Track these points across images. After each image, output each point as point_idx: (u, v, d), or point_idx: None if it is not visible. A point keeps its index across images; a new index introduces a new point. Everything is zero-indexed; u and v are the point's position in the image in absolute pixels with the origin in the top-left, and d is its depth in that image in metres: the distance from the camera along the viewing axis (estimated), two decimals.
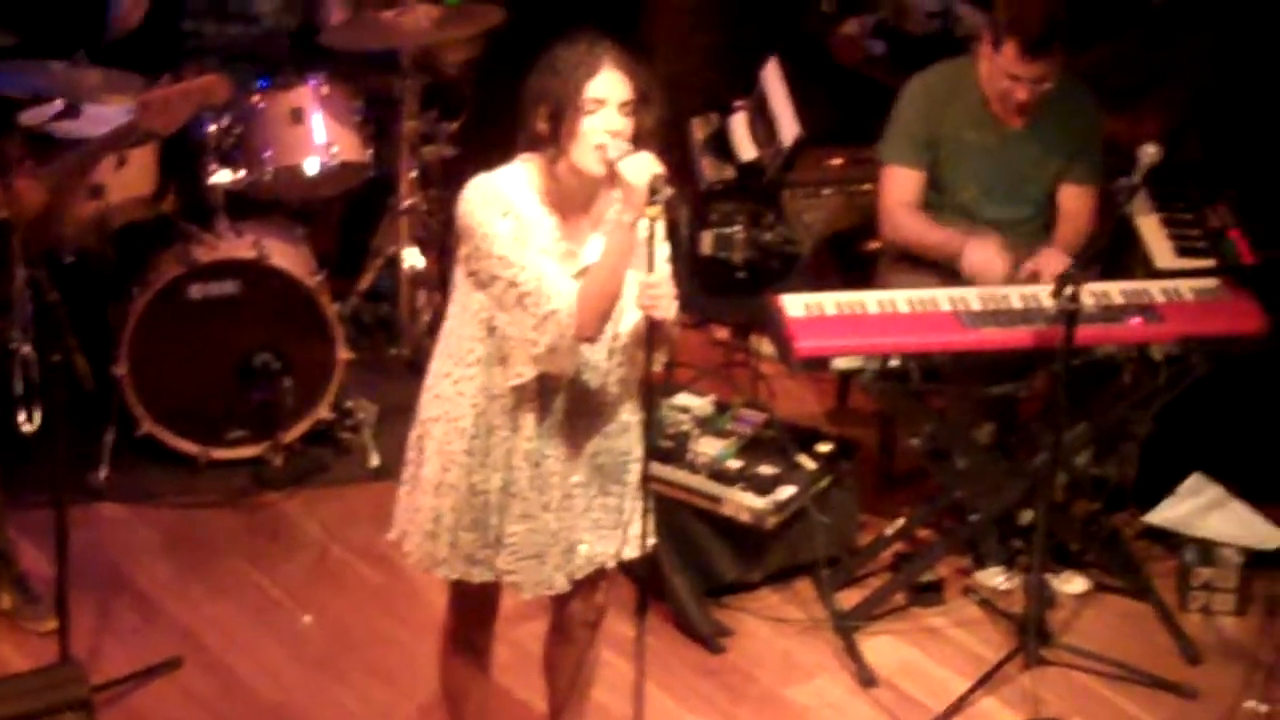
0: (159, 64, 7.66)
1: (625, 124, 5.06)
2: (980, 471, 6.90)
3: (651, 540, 5.46)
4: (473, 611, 5.65)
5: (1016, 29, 6.72)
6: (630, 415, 5.43)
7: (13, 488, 6.81)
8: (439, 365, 5.38)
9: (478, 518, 5.36)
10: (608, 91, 5.05)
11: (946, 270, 6.90)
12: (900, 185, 7.00)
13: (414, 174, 7.94)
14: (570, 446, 5.34)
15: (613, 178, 5.09)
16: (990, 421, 7.07)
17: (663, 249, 5.18)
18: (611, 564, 5.52)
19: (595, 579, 5.56)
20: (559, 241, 5.18)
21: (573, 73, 5.05)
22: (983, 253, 6.74)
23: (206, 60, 7.63)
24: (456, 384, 5.31)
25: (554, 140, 5.10)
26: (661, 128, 5.19)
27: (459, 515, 5.36)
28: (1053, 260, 6.72)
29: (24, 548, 6.84)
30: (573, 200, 5.21)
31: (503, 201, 5.14)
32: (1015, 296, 6.63)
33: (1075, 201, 6.98)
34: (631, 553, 5.49)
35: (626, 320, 5.24)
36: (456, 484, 5.34)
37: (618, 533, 5.47)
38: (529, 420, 5.29)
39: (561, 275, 5.14)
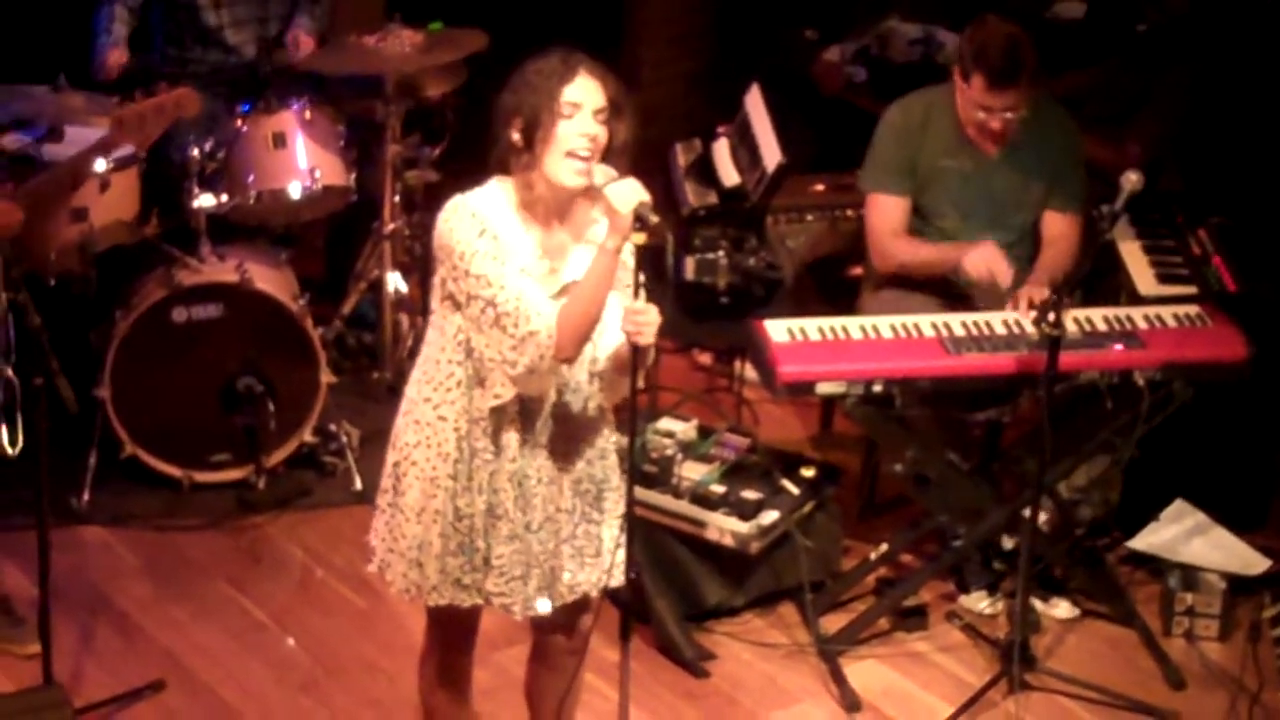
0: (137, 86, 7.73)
1: (600, 131, 5.10)
2: (963, 497, 6.93)
3: (623, 572, 5.44)
4: (453, 638, 5.67)
5: (982, 62, 6.77)
6: (606, 442, 5.46)
7: None
8: (417, 391, 5.38)
9: (463, 541, 5.37)
10: (583, 96, 5.09)
11: (930, 296, 6.92)
12: (887, 213, 7.02)
13: (397, 199, 7.95)
14: (553, 468, 5.37)
15: (593, 195, 5.13)
16: (973, 447, 7.08)
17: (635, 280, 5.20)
18: (594, 593, 5.53)
19: (578, 608, 5.57)
20: (540, 260, 5.20)
21: (547, 80, 5.09)
22: (985, 254, 6.75)
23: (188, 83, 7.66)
24: (437, 409, 5.32)
25: (529, 149, 5.12)
26: (634, 141, 5.22)
27: (446, 541, 5.37)
28: (1031, 291, 6.73)
29: (7, 571, 6.86)
30: (550, 215, 5.23)
31: (480, 220, 5.16)
32: (998, 322, 6.67)
33: (1058, 227, 7.00)
34: (614, 582, 5.49)
35: (604, 343, 5.27)
36: (442, 509, 5.35)
37: (600, 560, 5.48)
38: (512, 441, 5.30)
39: (541, 295, 5.16)
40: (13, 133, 7.32)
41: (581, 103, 5.09)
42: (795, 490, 6.98)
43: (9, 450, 6.74)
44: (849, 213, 7.86)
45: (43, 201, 6.74)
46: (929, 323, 6.69)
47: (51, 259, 7.33)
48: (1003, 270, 6.71)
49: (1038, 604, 6.91)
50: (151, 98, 6.52)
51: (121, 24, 7.74)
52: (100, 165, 7.21)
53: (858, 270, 7.45)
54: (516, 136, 5.15)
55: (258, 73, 7.99)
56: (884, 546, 7.14)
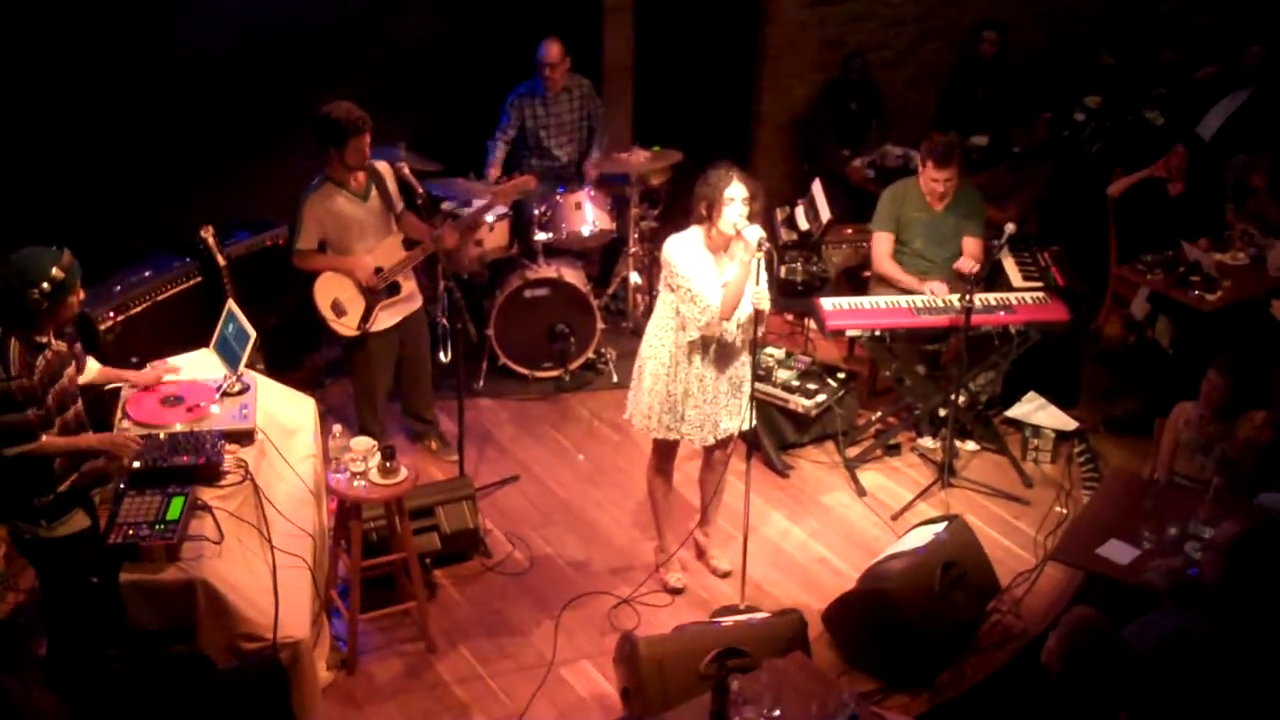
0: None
1: (745, 209, 5.17)
2: (920, 388, 6.87)
3: (753, 422, 5.51)
4: (664, 453, 5.75)
5: (932, 154, 6.72)
6: (745, 358, 5.48)
7: (438, 389, 6.89)
8: (651, 329, 5.48)
9: (671, 407, 5.46)
10: (736, 192, 5.16)
11: (905, 291, 6.83)
12: (881, 242, 6.94)
13: (636, 235, 7.92)
14: (716, 371, 5.43)
15: (739, 236, 5.17)
16: (925, 363, 7.03)
17: (763, 275, 5.21)
18: (735, 432, 5.58)
19: (726, 441, 5.63)
20: (713, 268, 5.28)
21: (719, 183, 5.18)
22: (935, 287, 6.66)
23: (540, 180, 7.74)
24: (661, 340, 5.42)
25: (709, 217, 5.18)
26: (761, 211, 5.27)
27: (663, 405, 5.47)
28: (967, 261, 6.71)
29: (443, 419, 6.94)
30: (717, 247, 5.30)
31: (683, 248, 5.27)
32: (940, 301, 6.60)
33: (970, 245, 6.84)
34: (744, 427, 5.53)
35: (743, 310, 5.31)
36: (660, 390, 5.44)
37: (738, 418, 5.53)
38: (697, 358, 5.38)
39: (714, 287, 5.23)
40: (448, 202, 7.42)
41: (735, 196, 5.15)
42: (834, 384, 6.96)
43: (444, 359, 6.85)
44: (863, 244, 7.80)
45: (463, 233, 6.88)
46: (904, 300, 6.63)
47: (465, 265, 7.41)
48: (944, 295, 6.62)
49: (958, 443, 6.83)
50: (510, 182, 6.63)
51: (501, 149, 7.77)
52: (490, 218, 7.29)
53: (867, 273, 7.40)
54: (703, 210, 5.21)
55: (568, 171, 8.03)
56: (879, 413, 7.13)
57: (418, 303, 6.42)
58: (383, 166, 6.15)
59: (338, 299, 6.16)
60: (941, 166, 6.69)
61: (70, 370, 4.79)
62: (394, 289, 6.24)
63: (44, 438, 4.57)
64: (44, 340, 4.64)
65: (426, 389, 6.74)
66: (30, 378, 4.53)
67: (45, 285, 4.52)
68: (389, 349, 6.37)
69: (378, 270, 6.14)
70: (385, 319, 6.26)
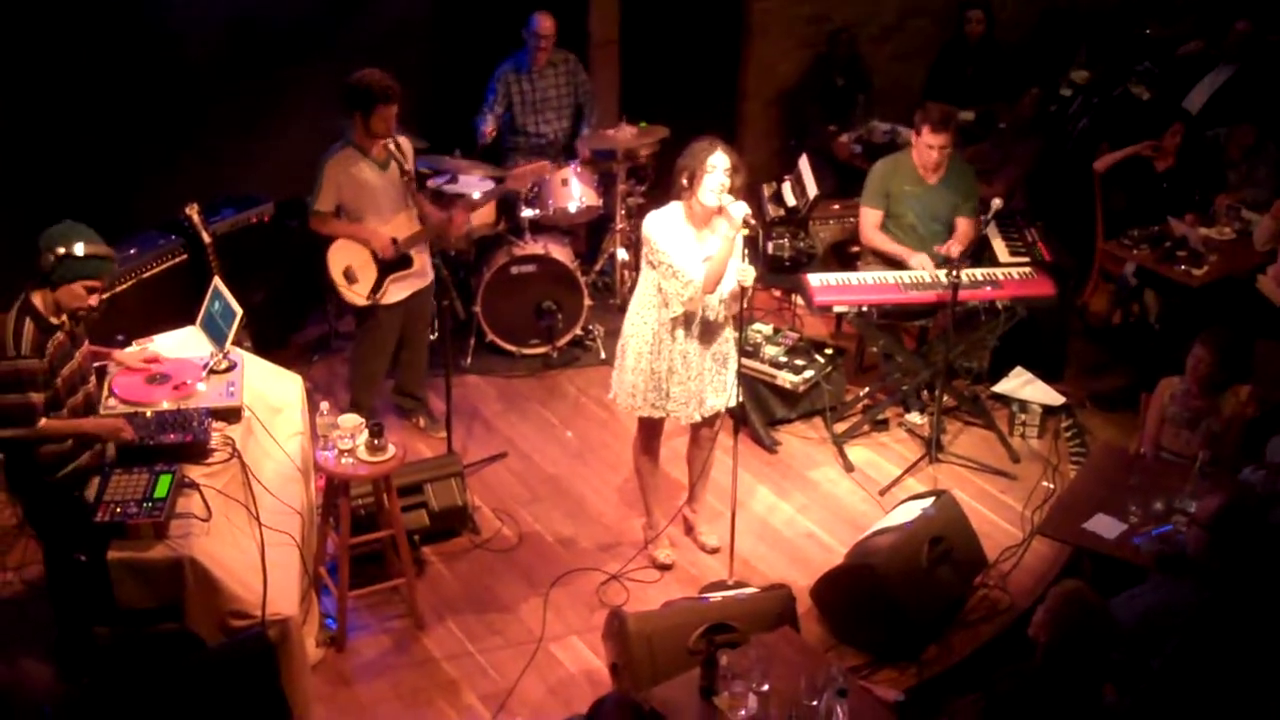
0: (496, 157, 7.75)
1: (726, 180, 5.17)
2: (907, 364, 6.87)
3: (739, 399, 5.50)
4: (650, 431, 5.73)
5: (928, 119, 6.62)
6: (729, 334, 5.46)
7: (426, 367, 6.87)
8: (634, 307, 5.45)
9: (655, 385, 5.44)
10: (719, 161, 5.14)
11: (893, 264, 6.81)
12: (869, 217, 6.88)
13: (623, 211, 7.91)
14: (701, 348, 5.40)
15: (722, 211, 5.15)
16: (913, 338, 7.01)
17: (745, 251, 5.21)
18: (721, 409, 5.55)
19: (713, 417, 5.60)
20: (694, 243, 5.26)
21: (701, 152, 5.17)
22: (920, 261, 6.62)
23: (526, 156, 7.71)
24: (643, 317, 5.39)
25: (690, 187, 5.15)
26: (745, 186, 5.25)
27: (646, 383, 5.44)
28: (954, 246, 6.56)
29: (431, 396, 6.92)
30: (699, 221, 5.27)
31: (664, 224, 5.25)
32: (927, 275, 6.57)
33: (963, 224, 6.80)
34: (730, 404, 5.51)
35: (726, 285, 5.28)
36: (644, 368, 5.42)
37: (724, 394, 5.50)
38: (680, 334, 5.35)
39: (695, 262, 5.21)
40: (435, 179, 7.39)
41: (717, 165, 5.12)
42: (822, 360, 6.95)
43: (431, 337, 6.84)
44: (851, 220, 7.79)
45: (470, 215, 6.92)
46: (891, 276, 6.61)
47: (452, 242, 7.33)
48: (930, 269, 6.59)
49: (945, 418, 6.83)
50: (528, 166, 6.73)
51: (492, 121, 7.73)
52: (476, 194, 7.27)
53: (855, 249, 7.39)
54: (685, 181, 5.19)
55: (555, 148, 7.99)
56: (867, 389, 7.11)
57: (428, 279, 6.42)
58: (404, 141, 6.16)
59: (350, 266, 6.17)
60: (938, 132, 6.59)
61: (82, 352, 4.78)
62: (406, 261, 6.23)
63: (43, 421, 4.57)
64: (57, 321, 4.64)
65: (422, 366, 6.73)
66: (41, 358, 4.53)
67: (60, 250, 4.53)
68: (396, 323, 6.39)
69: (394, 241, 6.13)
70: (395, 292, 6.26)
